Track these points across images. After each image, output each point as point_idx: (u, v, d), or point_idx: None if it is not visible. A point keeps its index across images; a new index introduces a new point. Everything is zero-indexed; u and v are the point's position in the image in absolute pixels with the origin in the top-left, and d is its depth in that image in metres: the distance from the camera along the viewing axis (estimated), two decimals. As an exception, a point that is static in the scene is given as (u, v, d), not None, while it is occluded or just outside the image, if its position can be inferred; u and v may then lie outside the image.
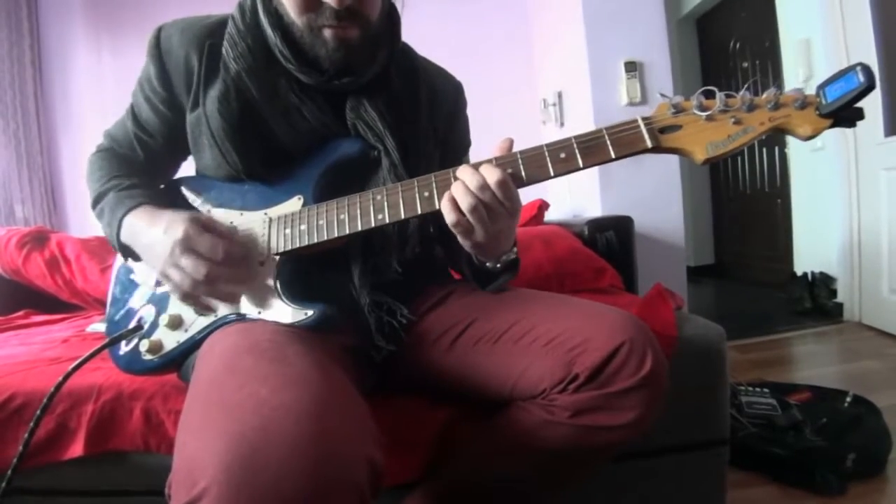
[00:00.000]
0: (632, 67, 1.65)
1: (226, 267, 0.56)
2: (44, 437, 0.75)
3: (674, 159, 1.68)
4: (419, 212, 0.56)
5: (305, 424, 0.39)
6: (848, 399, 1.15)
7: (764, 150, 2.86)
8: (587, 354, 0.54)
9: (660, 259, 1.62)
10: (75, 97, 2.28)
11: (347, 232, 0.58)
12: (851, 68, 0.47)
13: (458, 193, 0.53)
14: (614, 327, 0.55)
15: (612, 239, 1.24)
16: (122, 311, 0.70)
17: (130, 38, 2.14)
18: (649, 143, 0.51)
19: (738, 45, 3.00)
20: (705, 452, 0.76)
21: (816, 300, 2.20)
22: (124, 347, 0.67)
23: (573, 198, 1.92)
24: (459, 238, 0.56)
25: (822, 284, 2.20)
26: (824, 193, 2.19)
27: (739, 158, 3.11)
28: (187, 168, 0.77)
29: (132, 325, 0.66)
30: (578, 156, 0.52)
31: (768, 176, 2.84)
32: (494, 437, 0.60)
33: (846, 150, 2.00)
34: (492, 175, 0.52)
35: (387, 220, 0.57)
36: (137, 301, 0.69)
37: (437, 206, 0.55)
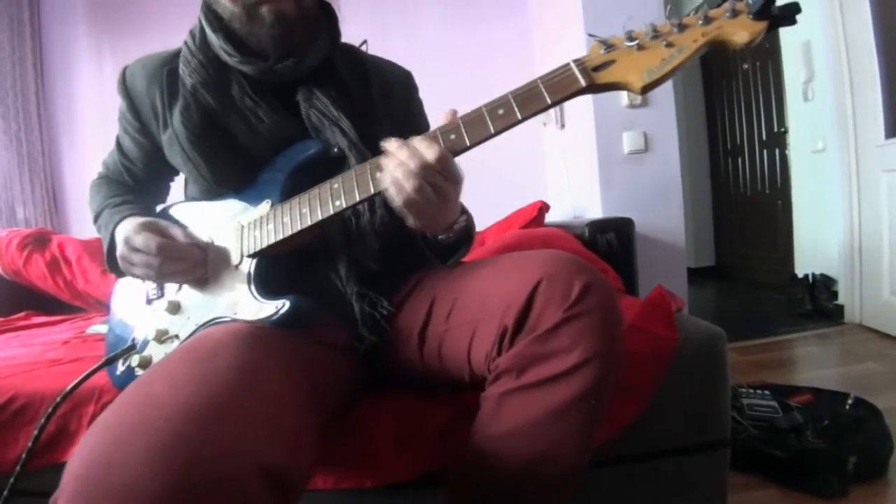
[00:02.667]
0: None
1: (161, 258, 0.61)
2: (45, 439, 0.75)
3: (674, 160, 1.68)
4: (371, 191, 0.56)
5: (183, 424, 0.38)
6: (849, 401, 1.14)
7: (765, 152, 2.86)
8: (511, 305, 0.51)
9: (660, 260, 1.62)
10: (77, 99, 2.29)
11: (310, 223, 0.59)
12: None
13: (400, 175, 0.52)
14: (531, 268, 0.53)
15: (612, 241, 1.24)
16: (118, 328, 0.74)
17: (132, 41, 2.15)
18: (583, 83, 0.51)
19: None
20: (706, 454, 0.75)
21: (817, 302, 2.19)
22: (120, 367, 0.69)
23: (574, 199, 1.92)
24: (409, 218, 0.56)
25: (822, 286, 2.20)
26: (825, 195, 2.19)
27: (740, 160, 3.12)
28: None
29: (128, 344, 0.68)
30: (516, 108, 0.52)
31: (769, 177, 2.84)
32: (472, 437, 0.57)
33: (847, 151, 2.00)
34: (430, 153, 0.52)
35: (344, 206, 0.57)
36: (131, 319, 0.72)
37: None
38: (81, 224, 2.30)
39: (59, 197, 2.36)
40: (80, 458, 0.38)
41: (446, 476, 0.63)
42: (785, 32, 2.40)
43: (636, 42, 0.50)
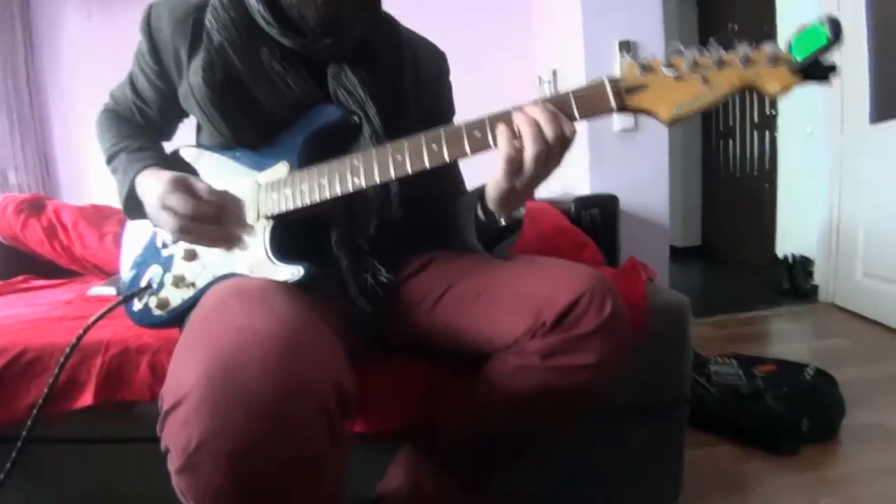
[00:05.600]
0: (626, 47, 1.67)
1: (197, 223, 0.63)
2: (56, 389, 0.80)
3: (664, 140, 1.72)
4: (392, 176, 0.58)
5: (276, 345, 0.45)
6: (809, 371, 1.22)
7: (755, 134, 2.90)
8: (552, 304, 0.59)
9: (644, 238, 1.67)
10: (65, 61, 2.25)
11: (328, 196, 0.61)
12: (818, 21, 0.46)
13: (526, 134, 0.52)
14: (576, 279, 0.61)
15: (596, 216, 1.29)
16: (133, 271, 0.75)
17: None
18: (614, 105, 0.51)
19: (736, 28, 3.00)
20: (667, 412, 0.83)
21: (795, 282, 2.28)
22: (137, 304, 0.72)
23: (564, 177, 1.96)
24: (500, 174, 0.55)
25: (800, 267, 2.28)
26: (810, 178, 2.25)
27: (731, 142, 3.15)
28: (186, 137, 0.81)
29: (143, 284, 0.71)
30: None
31: (758, 160, 2.89)
32: (477, 388, 0.65)
33: (833, 136, 2.04)
34: (568, 128, 0.53)
35: (362, 184, 0.59)
36: (147, 262, 0.74)
37: (409, 171, 0.57)
38: (74, 189, 2.30)
39: (50, 161, 2.36)
40: (195, 373, 0.43)
41: (430, 426, 0.70)
42: (782, 16, 2.40)
43: (674, 71, 0.50)
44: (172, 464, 0.44)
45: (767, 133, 2.75)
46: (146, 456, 0.80)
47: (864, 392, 1.29)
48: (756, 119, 2.89)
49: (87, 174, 2.30)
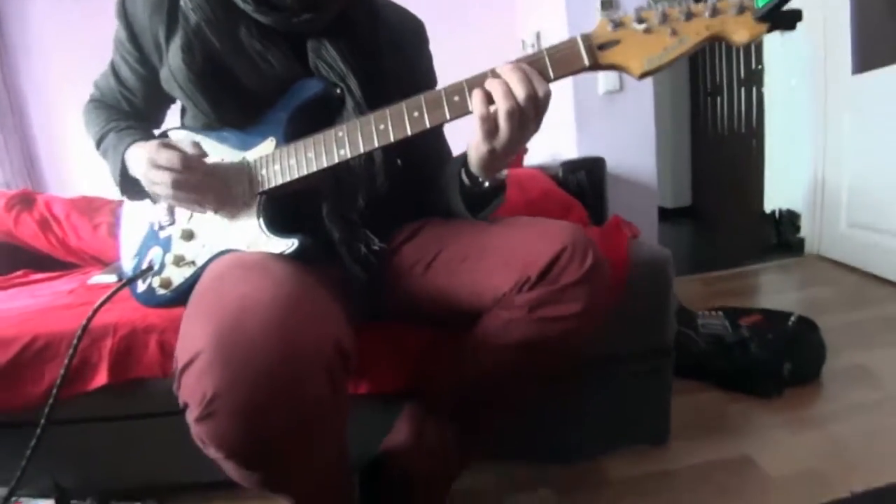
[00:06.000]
0: (608, 5, 1.65)
1: (189, 174, 0.63)
2: (70, 372, 0.83)
3: (649, 101, 1.72)
4: (376, 144, 0.59)
5: (277, 308, 0.49)
6: (792, 319, 1.27)
7: (742, 90, 2.89)
8: (536, 259, 0.62)
9: (633, 199, 1.70)
10: (38, 52, 2.20)
11: (315, 168, 0.63)
12: None
13: (498, 95, 0.53)
14: (558, 234, 0.64)
15: (582, 179, 1.31)
16: (134, 255, 0.78)
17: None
18: (587, 62, 0.53)
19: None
20: (655, 358, 0.87)
21: (781, 236, 2.33)
22: (141, 286, 0.75)
23: (552, 142, 1.97)
24: (478, 137, 0.57)
25: (787, 221, 2.32)
26: (795, 133, 2.26)
27: (719, 100, 3.14)
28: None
29: (144, 266, 0.74)
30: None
31: (745, 117, 2.89)
32: (469, 343, 0.69)
33: (816, 88, 2.05)
34: (541, 88, 0.53)
35: (348, 155, 0.61)
36: (147, 245, 0.76)
37: (392, 139, 0.58)
38: (59, 182, 2.29)
39: (34, 156, 2.33)
40: (205, 334, 0.47)
41: (428, 383, 0.74)
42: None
43: (644, 24, 0.51)
44: (191, 414, 0.48)
45: (754, 89, 2.75)
46: (162, 429, 0.85)
47: (845, 336, 1.35)
48: (742, 75, 2.87)
49: (71, 166, 2.28)
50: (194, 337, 0.48)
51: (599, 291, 0.64)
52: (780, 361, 1.14)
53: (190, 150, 0.65)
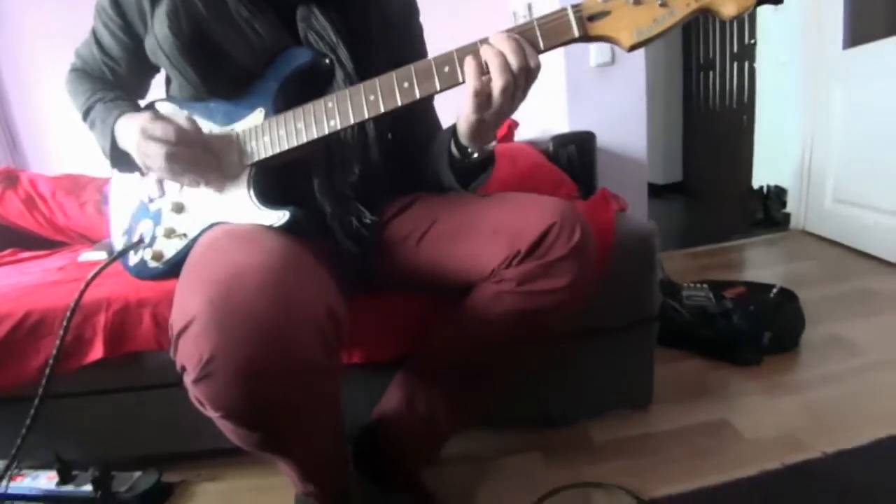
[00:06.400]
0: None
1: (183, 146, 0.62)
2: (65, 347, 0.84)
3: (640, 75, 1.71)
4: (366, 115, 0.59)
5: (270, 272, 0.50)
6: (774, 290, 1.31)
7: (734, 65, 2.87)
8: (526, 234, 0.64)
9: (623, 174, 1.71)
10: (11, 27, 2.12)
11: (305, 140, 0.62)
12: None
13: (494, 68, 0.53)
14: (547, 210, 0.65)
15: (572, 154, 1.32)
16: (125, 229, 0.77)
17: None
18: (577, 33, 0.53)
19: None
20: (639, 327, 0.90)
21: (768, 212, 2.36)
22: (133, 259, 0.75)
23: (543, 115, 1.96)
24: (469, 108, 0.57)
25: (775, 197, 2.35)
26: (785, 108, 2.27)
27: (711, 75, 3.12)
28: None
29: (135, 239, 0.74)
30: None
31: (737, 93, 2.88)
32: (460, 315, 0.70)
33: (807, 63, 2.04)
34: (533, 59, 0.54)
35: (338, 126, 0.60)
36: (137, 218, 0.76)
37: (382, 110, 0.58)
38: (40, 160, 2.24)
39: (14, 133, 2.27)
40: (199, 300, 0.48)
41: (420, 352, 0.77)
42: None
43: None
44: (188, 377, 0.49)
45: (747, 64, 2.73)
46: (161, 400, 0.87)
47: (824, 308, 1.39)
48: (735, 49, 2.85)
49: (52, 144, 2.23)
50: (189, 303, 0.49)
51: (587, 266, 0.65)
52: (761, 331, 1.18)
53: (184, 123, 0.64)
